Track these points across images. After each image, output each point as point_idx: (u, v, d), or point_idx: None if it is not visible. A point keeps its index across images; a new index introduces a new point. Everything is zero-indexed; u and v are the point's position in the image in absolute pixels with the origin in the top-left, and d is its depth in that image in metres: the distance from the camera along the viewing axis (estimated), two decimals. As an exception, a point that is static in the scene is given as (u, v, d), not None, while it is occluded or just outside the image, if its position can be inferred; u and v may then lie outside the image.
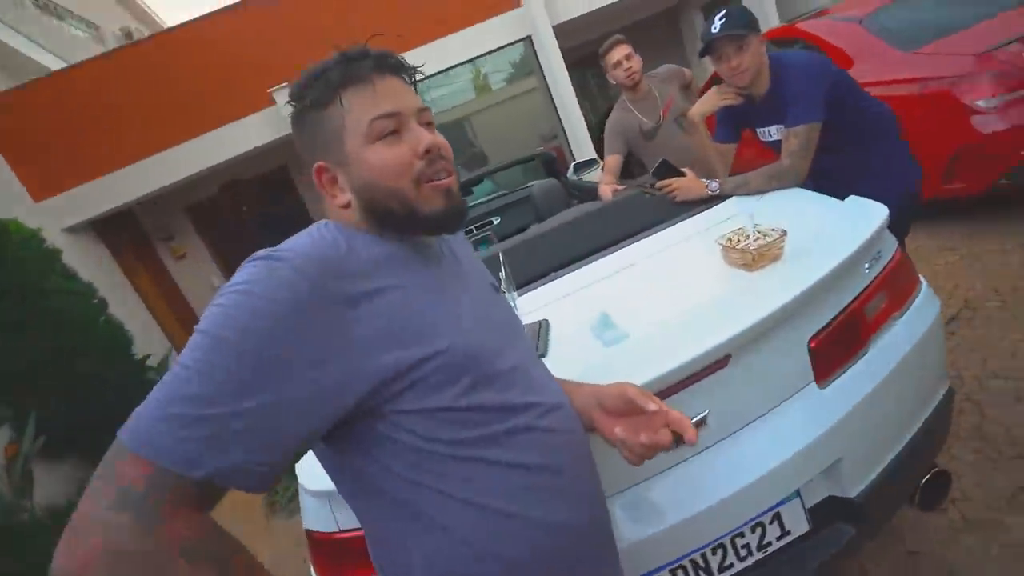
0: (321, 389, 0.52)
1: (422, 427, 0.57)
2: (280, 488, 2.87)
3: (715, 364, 0.91)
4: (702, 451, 0.96)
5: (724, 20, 1.48)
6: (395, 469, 0.58)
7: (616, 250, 1.47)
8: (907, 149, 1.65)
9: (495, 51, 6.04)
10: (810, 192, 1.43)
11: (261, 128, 5.51)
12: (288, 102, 0.65)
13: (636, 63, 2.31)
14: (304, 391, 0.51)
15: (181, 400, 0.48)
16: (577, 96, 6.17)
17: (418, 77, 0.68)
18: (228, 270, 7.55)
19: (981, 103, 2.41)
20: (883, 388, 1.01)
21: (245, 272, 0.53)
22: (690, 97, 2.45)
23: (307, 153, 0.65)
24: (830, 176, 1.58)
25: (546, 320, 1.20)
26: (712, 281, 1.16)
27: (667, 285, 1.24)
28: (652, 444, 0.62)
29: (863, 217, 1.15)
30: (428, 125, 0.66)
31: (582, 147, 6.20)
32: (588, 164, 3.64)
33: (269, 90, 5.24)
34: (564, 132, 6.38)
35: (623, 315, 1.10)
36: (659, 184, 1.65)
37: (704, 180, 1.60)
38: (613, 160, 2.39)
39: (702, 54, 1.57)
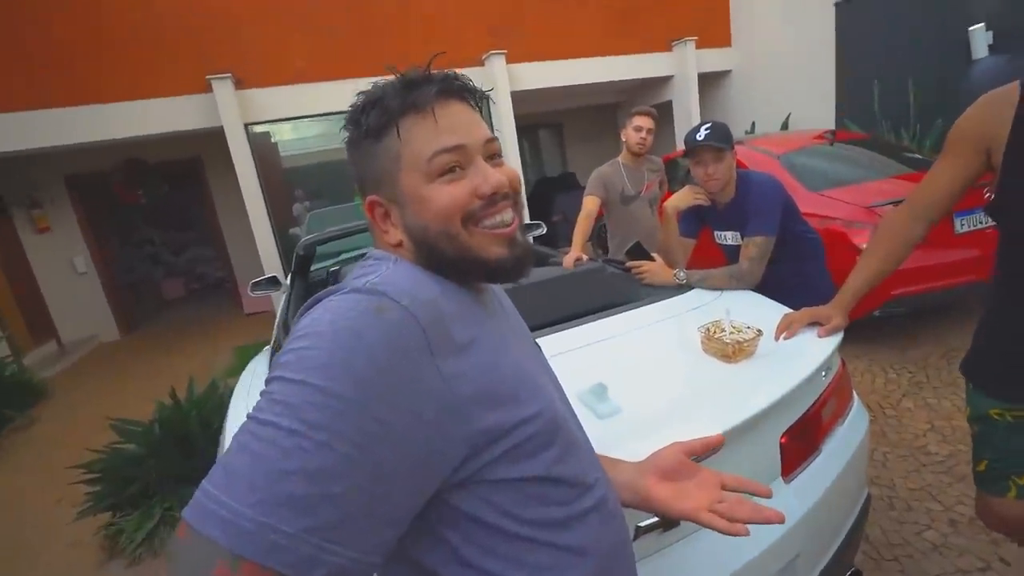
0: (436, 452, 0.45)
1: (511, 501, 0.51)
2: (132, 520, 2.34)
3: (712, 450, 0.94)
4: (677, 542, 0.97)
5: (709, 131, 1.66)
6: (462, 554, 0.50)
7: (587, 321, 1.49)
8: (827, 270, 1.91)
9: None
10: (765, 298, 1.58)
11: (187, 113, 5.03)
12: (344, 127, 0.59)
13: (651, 138, 2.61)
14: (423, 454, 0.44)
15: (298, 476, 0.38)
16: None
17: (485, 100, 0.62)
18: (100, 255, 6.56)
19: (864, 246, 2.91)
20: (833, 487, 1.10)
21: (343, 307, 0.45)
22: (661, 194, 2.78)
23: (360, 183, 0.60)
24: (767, 285, 1.77)
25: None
26: (694, 366, 1.21)
27: (648, 363, 1.27)
28: (759, 516, 0.61)
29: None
30: (494, 158, 0.58)
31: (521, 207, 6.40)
32: (532, 227, 3.74)
33: (208, 77, 4.85)
34: (502, 190, 6.56)
35: (611, 388, 1.11)
36: (630, 264, 1.74)
37: (672, 269, 1.71)
38: (592, 202, 2.58)
39: (685, 155, 1.73)
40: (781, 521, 0.61)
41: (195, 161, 6.88)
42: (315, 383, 0.40)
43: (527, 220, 3.87)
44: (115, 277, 6.96)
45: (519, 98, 6.32)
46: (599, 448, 0.78)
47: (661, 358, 1.29)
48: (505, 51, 5.95)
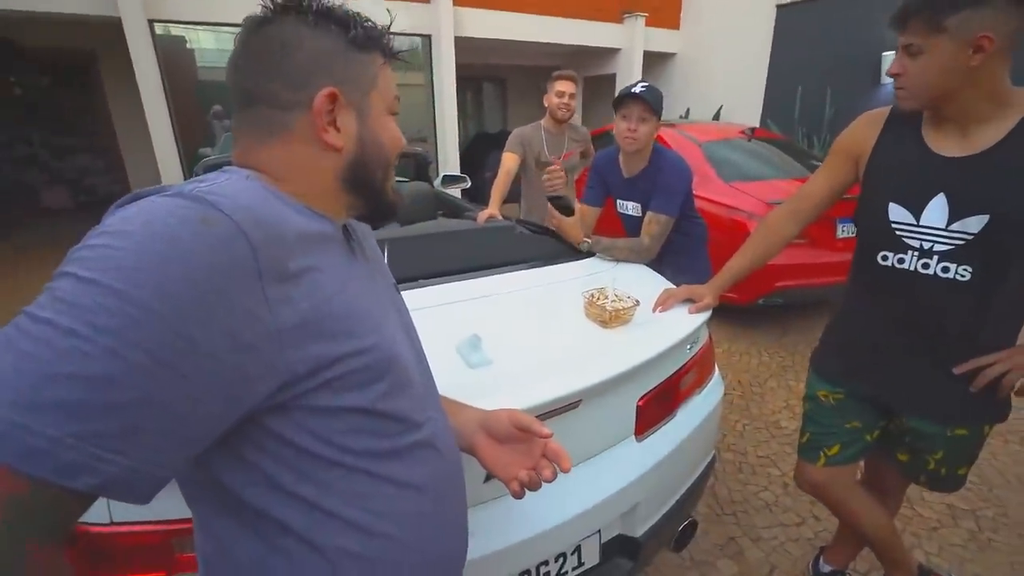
0: (243, 378, 0.42)
1: (329, 430, 0.50)
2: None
3: (568, 406, 0.99)
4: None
5: (645, 89, 1.68)
6: (275, 479, 0.49)
7: (485, 275, 1.50)
8: (708, 255, 2.04)
9: (393, 34, 5.80)
10: (654, 272, 1.66)
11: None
12: (318, 11, 0.54)
13: (574, 103, 2.54)
14: (229, 377, 0.41)
15: (71, 381, 0.35)
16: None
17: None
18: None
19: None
20: (680, 448, 1.21)
21: (162, 210, 0.41)
22: (583, 164, 2.73)
23: (308, 73, 0.53)
24: (651, 262, 1.86)
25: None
26: (571, 328, 1.26)
27: (530, 321, 1.31)
28: (538, 479, 0.64)
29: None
30: None
31: (449, 159, 6.25)
32: (457, 179, 3.67)
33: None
34: (436, 138, 6.36)
35: (488, 340, 1.12)
36: (550, 209, 1.76)
37: (583, 232, 1.74)
38: (511, 159, 2.53)
39: (615, 105, 1.74)
40: (550, 480, 0.66)
41: (88, 55, 6.01)
42: (112, 285, 0.37)
43: (455, 172, 3.79)
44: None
45: (464, 45, 6.07)
46: (464, 396, 0.80)
47: (544, 318, 1.33)
48: (453, -8, 5.64)
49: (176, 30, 5.17)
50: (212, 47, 6.19)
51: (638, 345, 1.15)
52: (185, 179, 4.95)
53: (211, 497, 0.51)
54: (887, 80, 5.38)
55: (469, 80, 8.56)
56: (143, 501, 0.40)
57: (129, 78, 4.70)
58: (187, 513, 0.56)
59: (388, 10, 0.67)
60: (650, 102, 1.66)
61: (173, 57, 5.14)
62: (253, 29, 0.54)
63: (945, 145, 1.02)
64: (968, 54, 0.90)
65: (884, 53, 5.48)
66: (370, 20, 0.58)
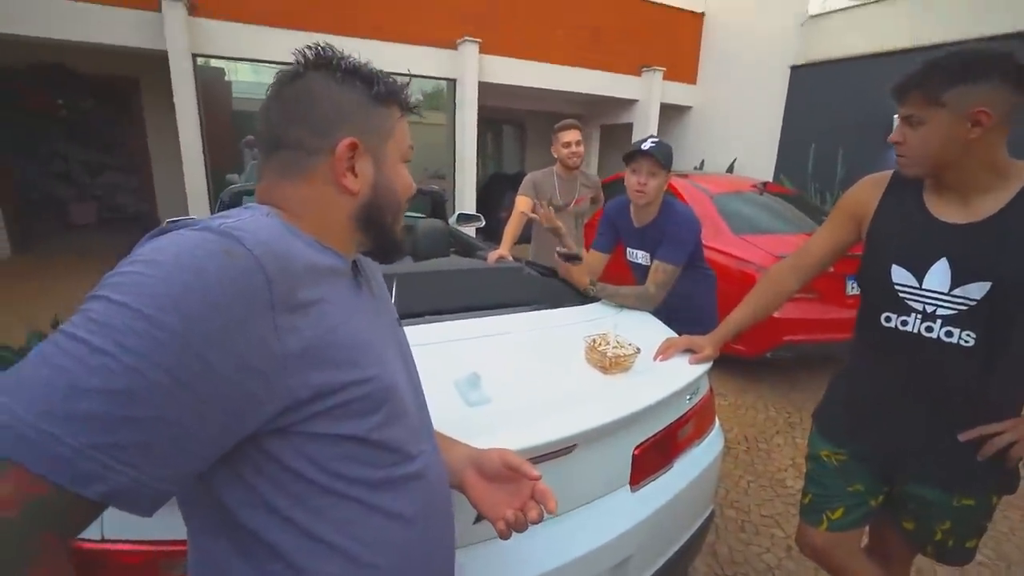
0: (250, 400, 0.46)
1: (325, 456, 0.52)
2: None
3: (563, 450, 0.99)
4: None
5: (655, 145, 1.74)
6: (271, 502, 0.51)
7: (491, 315, 1.53)
8: (716, 305, 2.05)
9: (419, 77, 6.06)
10: (657, 321, 1.67)
11: (126, 27, 4.62)
12: (346, 69, 0.60)
13: (581, 150, 2.63)
14: (237, 399, 0.45)
15: (97, 395, 0.38)
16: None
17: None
18: None
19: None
20: (677, 500, 1.19)
21: (190, 242, 0.45)
22: (593, 209, 2.79)
23: (333, 123, 0.58)
24: (660, 308, 1.87)
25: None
26: (571, 372, 1.27)
27: (532, 363, 1.32)
28: (524, 520, 0.64)
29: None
30: None
31: (465, 198, 6.39)
32: (472, 218, 3.75)
33: (160, -6, 4.49)
34: (454, 177, 6.53)
35: (488, 380, 1.14)
36: (559, 251, 1.80)
37: (588, 277, 1.77)
38: (524, 202, 2.60)
39: (625, 159, 1.80)
40: (536, 521, 0.66)
41: (132, 82, 6.35)
42: (141, 309, 0.40)
43: (470, 212, 3.87)
44: (13, 189, 6.28)
45: (487, 89, 6.31)
46: (460, 433, 0.81)
47: (545, 360, 1.34)
48: (480, 40, 5.91)
49: (216, 62, 5.45)
50: (249, 79, 6.51)
51: (637, 392, 1.15)
52: (210, 200, 5.14)
53: (208, 516, 0.53)
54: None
55: (490, 122, 8.83)
56: (147, 513, 0.42)
57: (167, 104, 4.94)
58: (177, 535, 0.57)
59: (409, 69, 0.73)
60: (659, 158, 1.71)
61: (211, 87, 5.42)
62: (286, 82, 0.59)
63: (946, 211, 1.04)
64: (966, 127, 0.93)
65: (895, 116, 5.56)
66: (391, 77, 0.64)
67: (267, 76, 6.29)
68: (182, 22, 4.68)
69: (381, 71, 0.63)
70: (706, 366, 1.34)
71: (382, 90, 0.61)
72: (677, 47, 7.66)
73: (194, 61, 4.90)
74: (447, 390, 1.09)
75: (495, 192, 7.69)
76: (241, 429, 0.46)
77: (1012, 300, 0.96)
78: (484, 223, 3.78)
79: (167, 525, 0.58)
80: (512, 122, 9.86)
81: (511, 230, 2.53)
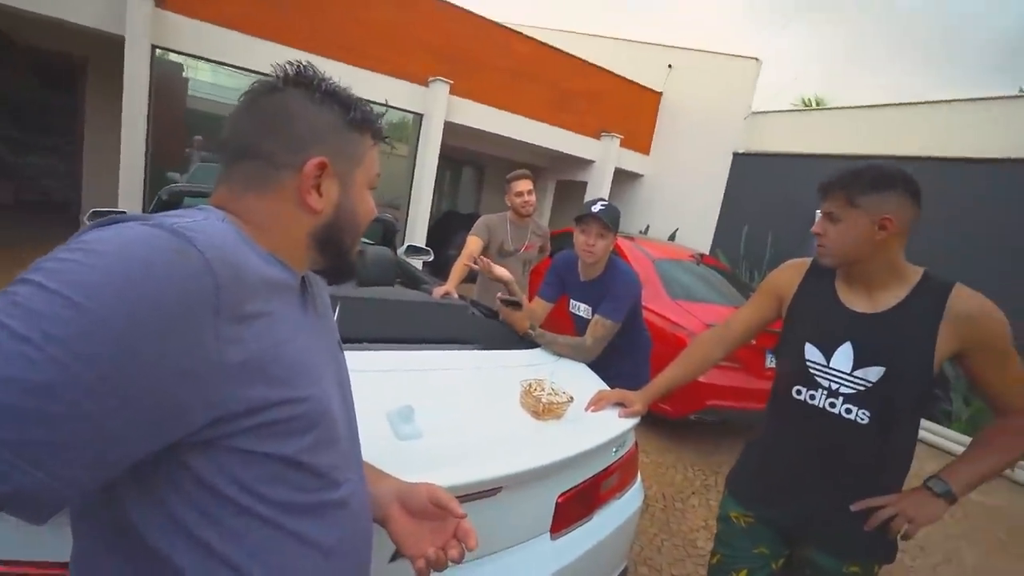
0: (178, 407, 0.43)
1: (249, 475, 0.50)
2: None
3: (489, 491, 0.99)
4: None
5: (604, 209, 1.84)
6: (181, 519, 0.48)
7: (431, 349, 1.52)
8: (649, 366, 2.14)
9: (389, 107, 6.11)
10: (592, 373, 1.73)
11: (82, 4, 4.41)
12: (325, 90, 0.61)
13: (533, 199, 2.72)
14: (165, 405, 0.42)
15: (12, 385, 0.35)
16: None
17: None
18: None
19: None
20: (594, 551, 1.20)
21: (140, 235, 0.43)
22: (540, 257, 2.91)
23: (306, 141, 0.59)
24: (596, 361, 1.93)
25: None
26: (504, 414, 1.28)
27: (466, 401, 1.32)
28: (445, 558, 0.64)
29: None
30: None
31: (417, 231, 6.40)
32: (421, 251, 3.75)
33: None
34: (408, 209, 6.54)
35: (421, 414, 1.13)
36: (501, 297, 1.83)
37: (529, 322, 1.81)
38: (475, 243, 2.65)
39: (576, 219, 1.89)
40: (457, 560, 0.67)
41: (79, 62, 6.00)
42: (71, 297, 0.37)
43: (420, 245, 3.88)
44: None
45: (452, 129, 6.46)
46: (388, 465, 0.79)
47: (479, 400, 1.35)
48: (451, 81, 6.10)
49: (175, 56, 5.28)
50: (208, 80, 6.33)
51: (566, 440, 1.18)
52: (145, 197, 4.85)
53: (105, 530, 0.49)
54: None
55: (450, 160, 9.00)
56: (40, 521, 0.39)
57: (114, 90, 4.71)
58: (61, 557, 0.52)
59: (387, 100, 0.76)
60: (607, 221, 1.82)
61: (166, 81, 5.23)
62: (263, 93, 0.60)
63: (854, 300, 1.17)
64: (875, 230, 1.08)
65: (818, 211, 6.20)
66: (368, 105, 0.65)
67: (228, 79, 6.15)
68: (148, 13, 4.55)
69: (359, 98, 0.64)
70: (634, 420, 1.39)
71: (358, 116, 0.62)
72: (635, 119, 8.23)
73: (152, 52, 4.73)
74: (379, 421, 1.07)
75: (447, 229, 7.74)
76: (164, 438, 0.44)
77: (901, 386, 1.08)
78: (432, 258, 3.79)
79: (55, 547, 0.53)
80: (472, 164, 10.08)
81: (459, 268, 2.55)
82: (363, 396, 1.13)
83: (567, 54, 7.26)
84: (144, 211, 4.68)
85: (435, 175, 6.41)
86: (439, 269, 5.74)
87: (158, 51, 4.84)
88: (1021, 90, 8.33)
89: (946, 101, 6.13)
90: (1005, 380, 1.07)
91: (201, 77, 6.33)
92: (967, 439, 4.34)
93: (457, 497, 0.92)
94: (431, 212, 6.72)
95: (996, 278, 3.52)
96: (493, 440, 1.14)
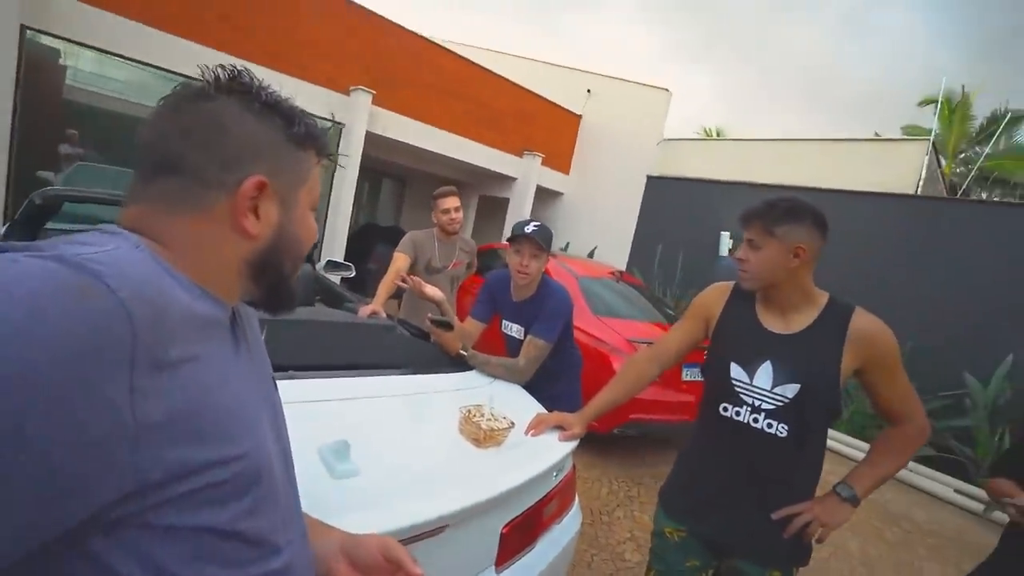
0: (78, 485, 0.36)
1: (166, 556, 0.42)
2: None
3: (433, 531, 0.94)
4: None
5: (536, 229, 1.85)
6: None
7: (361, 375, 1.44)
8: (580, 385, 2.18)
9: (333, 121, 5.85)
10: (529, 396, 1.72)
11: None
12: (266, 101, 0.55)
13: (460, 216, 2.67)
14: (57, 483, 0.35)
15: None
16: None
17: None
18: None
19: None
20: (537, 583, 1.18)
21: (30, 273, 0.36)
22: (468, 273, 2.90)
23: (242, 158, 0.52)
24: (530, 382, 1.94)
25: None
26: (444, 444, 1.24)
27: (403, 432, 1.26)
28: None
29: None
30: None
31: (335, 244, 6.12)
32: (341, 267, 3.58)
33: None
34: (326, 221, 6.25)
35: (356, 448, 1.05)
36: (430, 317, 1.78)
37: (460, 344, 1.78)
38: (402, 259, 2.56)
39: (510, 239, 1.89)
40: None
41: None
42: None
43: (339, 260, 3.70)
44: None
45: (374, 140, 6.29)
46: (324, 509, 0.73)
47: (417, 429, 1.29)
48: (374, 92, 5.95)
49: (51, 41, 4.68)
50: (91, 70, 5.67)
51: (510, 468, 1.15)
52: (8, 200, 4.21)
53: None
54: (723, 254, 6.65)
55: (371, 172, 8.76)
56: None
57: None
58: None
59: (332, 115, 0.71)
60: (541, 241, 1.84)
61: (40, 67, 4.60)
62: (191, 99, 0.52)
63: (771, 322, 1.27)
64: (789, 257, 1.18)
65: (722, 232, 6.77)
66: (312, 118, 0.60)
67: (116, 72, 5.55)
68: (18, -12, 4.00)
69: (302, 110, 0.59)
70: (574, 443, 1.40)
71: (301, 131, 0.57)
72: (557, 139, 8.52)
73: (22, 33, 4.16)
74: (310, 458, 0.98)
75: (366, 242, 7.50)
76: (58, 524, 0.36)
77: (814, 401, 1.18)
78: (354, 273, 3.63)
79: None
80: (393, 176, 9.88)
81: (386, 285, 2.45)
82: (291, 431, 1.04)
83: (493, 73, 7.39)
84: (7, 218, 4.07)
85: (355, 186, 6.18)
86: (357, 285, 5.52)
87: (28, 32, 4.27)
88: (876, 134, 9.67)
89: (827, 139, 7.01)
90: (896, 393, 1.21)
91: (83, 66, 5.66)
92: (848, 438, 4.87)
93: (401, 539, 0.87)
94: (349, 225, 6.47)
95: (878, 297, 4.01)
96: (435, 473, 1.09)
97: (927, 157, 6.43)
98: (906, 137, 8.40)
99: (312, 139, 0.58)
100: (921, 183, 6.38)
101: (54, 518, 0.35)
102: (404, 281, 2.19)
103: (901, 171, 6.43)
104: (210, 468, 0.44)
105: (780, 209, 1.19)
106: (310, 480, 0.92)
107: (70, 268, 0.37)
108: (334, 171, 6.17)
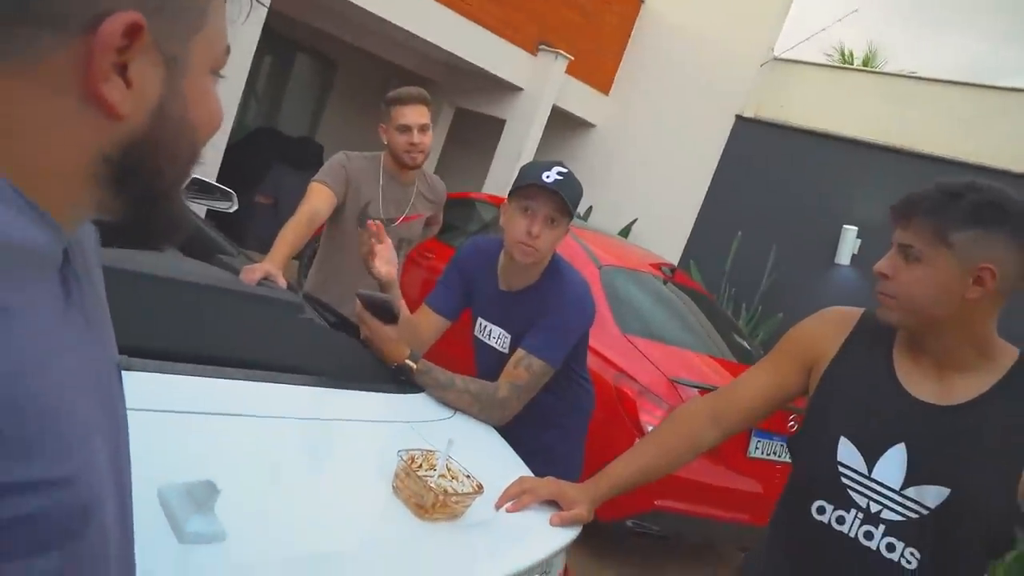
0: None
1: None
2: None
3: None
4: None
5: (562, 179, 1.84)
6: None
7: (243, 377, 1.46)
8: (584, 439, 2.23)
9: None
10: (504, 443, 1.75)
11: None
12: None
13: (426, 142, 2.68)
14: None
15: None
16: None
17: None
18: None
19: (651, 429, 3.47)
20: None
21: None
22: (426, 235, 2.99)
23: None
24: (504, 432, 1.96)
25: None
26: (368, 508, 1.27)
27: (305, 479, 1.29)
28: None
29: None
30: None
31: (206, 157, 6.05)
32: (215, 194, 3.53)
33: None
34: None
35: (227, 497, 1.07)
36: (363, 296, 1.80)
37: (408, 349, 1.80)
38: (322, 196, 2.55)
39: (513, 191, 1.90)
40: None
41: None
42: None
43: (212, 182, 3.66)
44: None
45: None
46: None
47: (328, 478, 1.32)
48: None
49: None
50: None
51: (469, 560, 1.18)
52: None
53: None
54: (842, 262, 6.73)
55: (280, 41, 8.65)
56: None
57: None
58: None
59: None
60: (567, 200, 1.84)
61: None
62: None
63: (918, 384, 1.30)
64: (967, 283, 1.20)
65: (845, 226, 6.87)
66: None
67: None
68: None
69: None
70: (574, 532, 1.43)
71: None
72: (596, 35, 8.53)
73: None
74: (148, 504, 0.99)
75: (256, 159, 7.45)
76: None
77: (970, 517, 1.22)
78: (236, 207, 3.61)
79: None
80: (315, 54, 9.78)
81: (291, 235, 2.44)
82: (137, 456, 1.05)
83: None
84: None
85: (248, 66, 6.11)
86: (236, 227, 5.48)
87: None
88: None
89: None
90: None
91: None
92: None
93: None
94: (232, 126, 6.42)
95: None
96: (346, 556, 1.12)
97: None
98: None
99: None
100: None
101: None
102: (369, 227, 2.11)
103: None
104: (13, 495, 0.45)
105: (967, 203, 1.21)
106: (145, 541, 0.93)
107: None
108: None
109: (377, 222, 2.06)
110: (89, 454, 0.52)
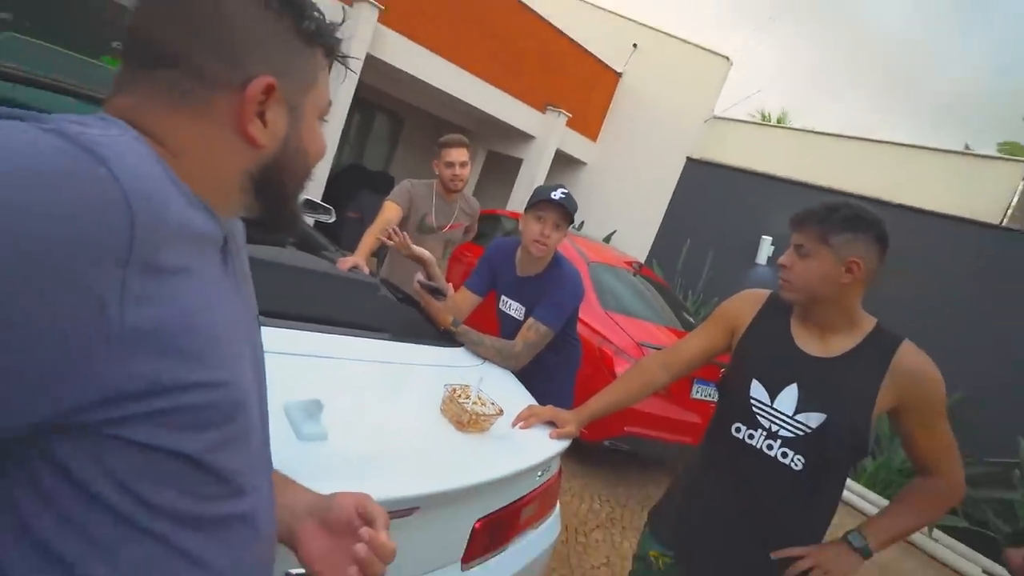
0: (52, 379, 0.39)
1: (134, 473, 0.46)
2: None
3: (405, 511, 1.00)
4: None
5: (565, 197, 1.89)
6: (30, 523, 0.43)
7: (337, 333, 1.49)
8: (574, 381, 2.26)
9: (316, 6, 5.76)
10: (519, 383, 1.79)
11: None
12: None
13: (466, 173, 2.70)
14: (28, 376, 0.38)
15: None
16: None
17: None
18: None
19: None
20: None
21: (29, 141, 0.38)
22: (464, 239, 2.98)
23: (247, 53, 0.54)
24: (522, 370, 2.00)
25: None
26: (423, 421, 1.30)
27: (379, 401, 1.32)
28: None
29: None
30: None
31: (313, 183, 6.11)
32: (319, 209, 3.59)
33: None
34: (304, 152, 6.23)
35: (328, 411, 1.11)
36: (420, 281, 1.83)
37: (452, 317, 1.83)
38: (393, 210, 2.59)
39: (530, 204, 1.94)
40: None
41: None
42: None
43: (318, 201, 3.71)
44: None
45: (373, 66, 6.24)
46: (286, 471, 0.77)
47: (394, 401, 1.36)
48: (382, 7, 5.88)
49: None
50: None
51: (493, 458, 1.22)
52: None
53: None
54: (760, 262, 6.72)
55: (365, 103, 8.68)
56: None
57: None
58: None
59: (344, 8, 0.73)
60: (569, 211, 1.89)
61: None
62: None
63: (807, 342, 1.32)
64: (841, 271, 1.22)
65: (763, 236, 6.83)
66: (322, 12, 0.61)
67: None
68: None
69: (315, 3, 0.60)
70: (566, 443, 1.47)
71: (312, 27, 0.58)
72: (588, 97, 8.48)
73: None
74: (275, 414, 1.03)
75: (347, 185, 7.48)
76: (19, 418, 0.39)
77: (838, 435, 1.24)
78: (334, 218, 3.65)
79: None
80: (389, 112, 9.80)
81: (371, 238, 2.49)
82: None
83: (524, 5, 7.28)
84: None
85: (345, 118, 6.14)
86: (332, 235, 5.53)
87: None
88: (967, 147, 9.71)
89: (905, 145, 7.02)
90: (932, 442, 1.27)
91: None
92: (869, 492, 5.01)
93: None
94: (331, 163, 6.46)
95: (934, 335, 4.05)
96: (410, 450, 1.15)
97: (1024, 183, 6.44)
98: (1002, 155, 8.26)
99: (322, 36, 0.60)
100: (1010, 211, 6.38)
101: (19, 407, 0.39)
102: (391, 237, 2.21)
103: (989, 195, 6.45)
104: (188, 389, 0.47)
105: (841, 215, 1.23)
106: (273, 438, 0.97)
107: (77, 147, 0.40)
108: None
109: (401, 233, 2.16)
110: (240, 369, 0.57)
